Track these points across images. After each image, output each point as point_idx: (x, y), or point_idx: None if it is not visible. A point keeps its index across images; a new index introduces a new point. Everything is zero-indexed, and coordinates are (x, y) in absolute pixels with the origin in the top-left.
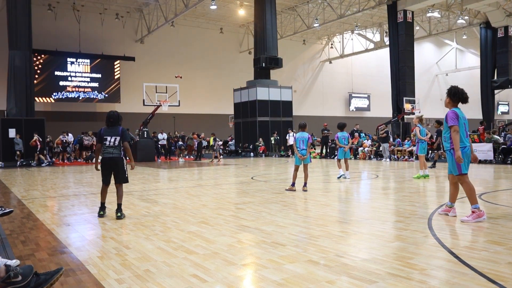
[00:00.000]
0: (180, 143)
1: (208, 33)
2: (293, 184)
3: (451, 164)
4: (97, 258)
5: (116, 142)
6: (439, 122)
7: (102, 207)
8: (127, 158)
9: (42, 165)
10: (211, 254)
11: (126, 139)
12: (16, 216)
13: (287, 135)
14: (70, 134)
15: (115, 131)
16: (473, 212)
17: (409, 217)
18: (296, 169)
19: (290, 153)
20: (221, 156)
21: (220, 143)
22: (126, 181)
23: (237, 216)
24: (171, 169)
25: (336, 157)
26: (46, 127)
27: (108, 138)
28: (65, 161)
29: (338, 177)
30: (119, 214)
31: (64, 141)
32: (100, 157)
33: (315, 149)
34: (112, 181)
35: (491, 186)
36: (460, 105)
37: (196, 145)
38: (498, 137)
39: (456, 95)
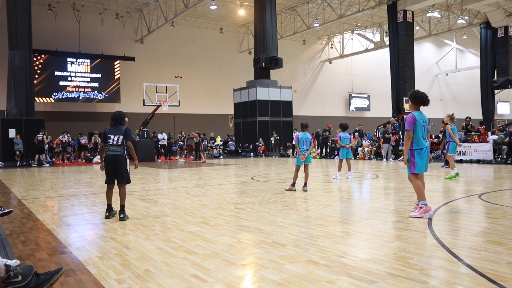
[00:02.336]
0: (181, 143)
1: (208, 33)
2: (293, 184)
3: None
4: (97, 258)
5: (120, 141)
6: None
7: (109, 209)
8: (131, 158)
9: (43, 165)
10: (211, 254)
11: (129, 138)
12: (16, 216)
13: (293, 134)
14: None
15: (118, 130)
16: (420, 207)
17: (409, 217)
18: (298, 170)
19: (290, 153)
20: (205, 156)
21: (205, 143)
22: (128, 181)
23: (237, 216)
24: (171, 169)
25: (338, 157)
26: (46, 127)
27: (112, 137)
28: (65, 161)
29: (334, 178)
30: (121, 216)
31: (64, 141)
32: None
33: (316, 149)
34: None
35: (491, 186)
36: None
37: (201, 146)
38: (503, 136)
39: (416, 99)
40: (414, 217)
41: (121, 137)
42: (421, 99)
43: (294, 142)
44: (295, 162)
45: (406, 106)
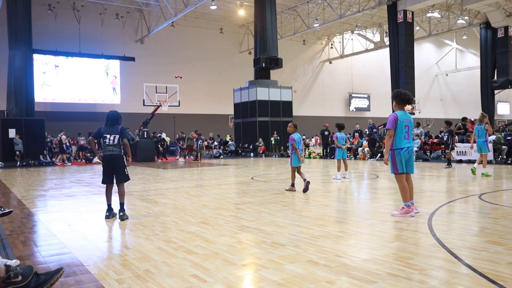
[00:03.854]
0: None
1: (208, 33)
2: (293, 185)
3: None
4: (97, 258)
5: (116, 141)
6: (448, 122)
7: (109, 209)
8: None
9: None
10: (211, 254)
11: (125, 137)
12: (16, 216)
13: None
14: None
15: (114, 130)
16: (402, 208)
17: (409, 217)
18: (295, 171)
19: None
20: (200, 156)
21: (200, 142)
22: (127, 178)
23: (237, 216)
24: (171, 169)
25: (335, 157)
26: (46, 127)
27: (108, 136)
28: (65, 161)
29: (334, 178)
30: (121, 214)
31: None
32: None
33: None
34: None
35: (491, 186)
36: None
37: (195, 145)
38: (501, 136)
39: (398, 98)
40: (395, 216)
41: (117, 136)
42: (404, 98)
43: (291, 143)
44: (291, 163)
45: (406, 107)
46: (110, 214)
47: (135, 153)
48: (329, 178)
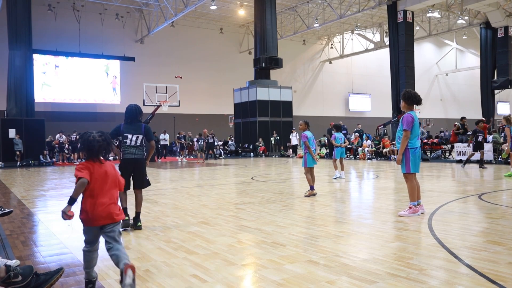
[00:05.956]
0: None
1: (208, 33)
2: (312, 188)
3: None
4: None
5: (139, 142)
6: (481, 121)
7: (125, 213)
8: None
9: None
10: (211, 254)
11: (151, 138)
12: (16, 216)
13: (290, 135)
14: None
15: (137, 129)
16: (410, 208)
17: (409, 217)
18: (311, 172)
19: (290, 153)
20: (204, 156)
21: (200, 142)
22: (148, 183)
23: (237, 216)
24: (171, 169)
25: (333, 156)
26: (46, 127)
27: (129, 136)
28: (65, 161)
29: (334, 178)
30: (139, 224)
31: (61, 141)
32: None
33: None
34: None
35: (491, 186)
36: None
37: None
38: (498, 136)
39: (410, 99)
40: (403, 216)
41: (141, 137)
42: (415, 99)
43: (303, 141)
44: (305, 164)
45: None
46: (128, 218)
47: None
48: (329, 178)
